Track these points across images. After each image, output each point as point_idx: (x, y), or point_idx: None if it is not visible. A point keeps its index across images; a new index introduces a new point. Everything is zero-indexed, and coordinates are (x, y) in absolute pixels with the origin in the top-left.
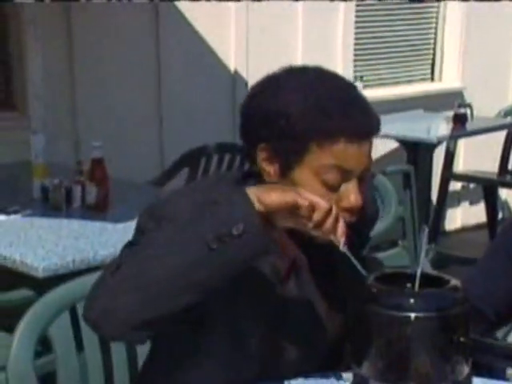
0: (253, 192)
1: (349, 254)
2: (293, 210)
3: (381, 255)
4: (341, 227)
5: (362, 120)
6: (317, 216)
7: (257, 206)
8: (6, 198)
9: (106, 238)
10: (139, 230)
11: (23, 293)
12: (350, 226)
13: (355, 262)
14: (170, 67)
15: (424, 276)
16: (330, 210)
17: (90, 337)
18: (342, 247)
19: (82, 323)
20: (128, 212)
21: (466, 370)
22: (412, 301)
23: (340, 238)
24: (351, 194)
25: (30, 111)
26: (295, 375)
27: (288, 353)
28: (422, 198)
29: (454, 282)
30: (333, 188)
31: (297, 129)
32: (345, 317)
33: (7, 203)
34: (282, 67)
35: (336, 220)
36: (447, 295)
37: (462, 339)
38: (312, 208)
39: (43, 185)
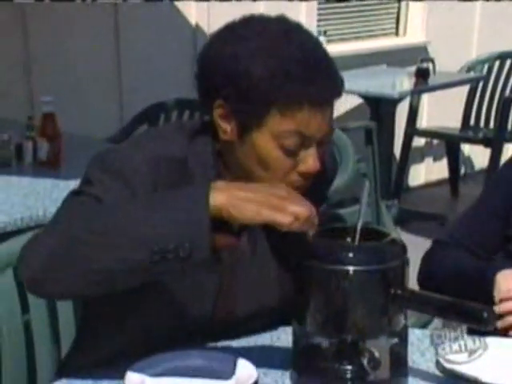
0: (221, 199)
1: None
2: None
3: (343, 211)
4: (314, 224)
5: (325, 84)
6: (296, 225)
7: (224, 213)
8: None
9: (57, 195)
10: (87, 181)
11: None
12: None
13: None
14: (128, 18)
15: (364, 230)
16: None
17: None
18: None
19: None
20: (81, 169)
21: (402, 321)
22: (350, 254)
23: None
24: (310, 160)
25: None
26: (244, 332)
27: (237, 309)
28: (385, 154)
29: (393, 235)
30: (291, 153)
31: (258, 91)
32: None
33: None
34: (243, 16)
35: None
36: (385, 248)
37: (398, 292)
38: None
39: None
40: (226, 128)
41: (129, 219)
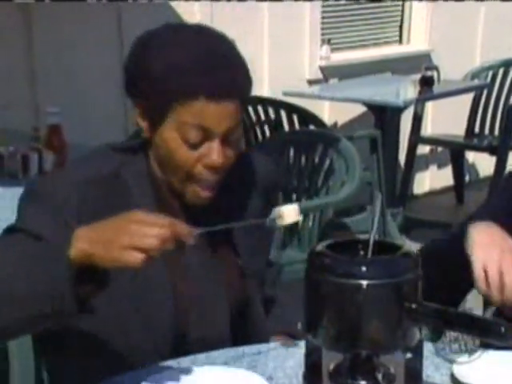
0: (81, 250)
1: (202, 235)
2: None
3: (348, 220)
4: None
5: (222, 78)
6: (156, 250)
7: (89, 261)
8: None
9: None
10: (19, 215)
11: None
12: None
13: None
14: (132, 29)
15: (377, 243)
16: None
17: None
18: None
19: None
20: None
21: (417, 336)
22: (363, 268)
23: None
24: (213, 154)
25: None
26: (196, 342)
27: (188, 317)
28: (390, 162)
29: (407, 248)
30: (194, 146)
31: (157, 88)
32: (244, 284)
33: None
34: (163, 24)
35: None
36: (399, 262)
37: (413, 306)
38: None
39: None
40: (144, 126)
41: (9, 277)
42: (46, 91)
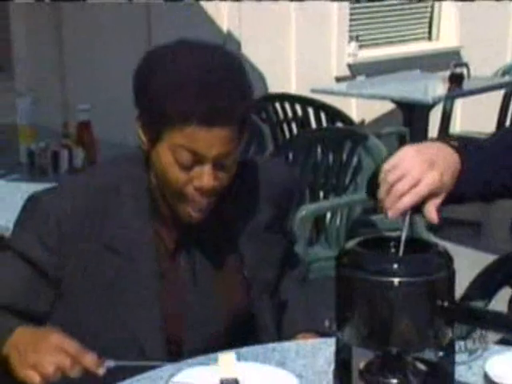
0: (7, 353)
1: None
2: None
3: (376, 218)
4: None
5: (216, 106)
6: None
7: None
8: None
9: None
10: (18, 231)
11: None
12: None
13: None
14: (161, 27)
15: (409, 241)
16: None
17: None
18: None
19: None
20: None
21: (449, 334)
22: (395, 266)
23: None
24: (203, 177)
25: (15, 72)
26: (191, 353)
27: (179, 329)
28: None
29: (440, 246)
30: (186, 168)
31: (153, 107)
32: (248, 294)
33: None
34: (176, 40)
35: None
36: (431, 260)
37: (445, 304)
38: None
39: (29, 149)
40: (143, 139)
41: None
42: (76, 88)
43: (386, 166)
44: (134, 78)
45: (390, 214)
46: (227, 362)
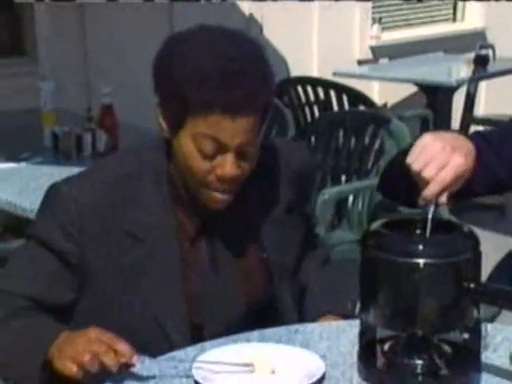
0: (52, 355)
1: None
2: None
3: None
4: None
5: (239, 95)
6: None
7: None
8: (16, 146)
9: None
10: (38, 223)
11: None
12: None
13: None
14: (182, 10)
15: (435, 222)
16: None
17: None
18: None
19: None
20: None
21: (474, 316)
22: (421, 247)
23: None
24: (225, 165)
25: (38, 56)
26: (211, 336)
27: (205, 314)
28: None
29: (466, 227)
30: (208, 157)
31: (176, 95)
32: (269, 278)
33: (18, 150)
34: (196, 25)
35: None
36: (457, 241)
37: (471, 285)
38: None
39: (53, 132)
40: (163, 126)
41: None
42: (99, 72)
43: (409, 159)
44: (154, 65)
45: (423, 202)
46: (262, 362)
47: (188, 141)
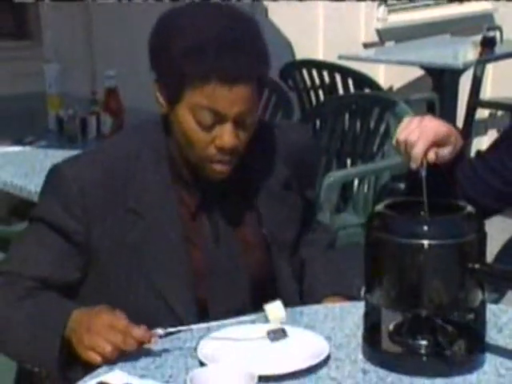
0: (69, 335)
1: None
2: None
3: (404, 185)
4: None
5: (236, 63)
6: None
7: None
8: (21, 129)
9: None
10: (41, 204)
11: None
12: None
13: None
14: None
15: (439, 203)
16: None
17: None
18: None
19: None
20: None
21: (479, 297)
22: (425, 228)
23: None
24: (224, 135)
25: (43, 40)
26: (217, 314)
27: (210, 288)
28: None
29: (470, 208)
30: (207, 128)
31: (172, 68)
32: (269, 254)
33: (23, 134)
34: (188, 2)
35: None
36: (461, 222)
37: (476, 266)
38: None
39: (58, 116)
40: (162, 102)
41: (12, 332)
42: (104, 55)
43: (398, 136)
44: (150, 40)
45: (413, 164)
46: (275, 310)
47: (186, 113)
